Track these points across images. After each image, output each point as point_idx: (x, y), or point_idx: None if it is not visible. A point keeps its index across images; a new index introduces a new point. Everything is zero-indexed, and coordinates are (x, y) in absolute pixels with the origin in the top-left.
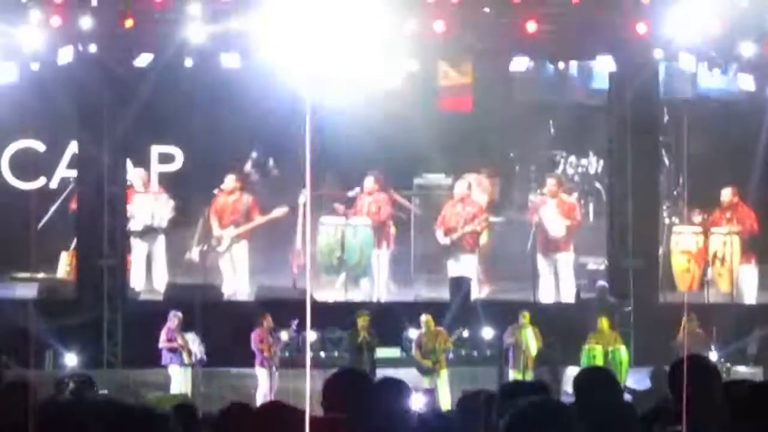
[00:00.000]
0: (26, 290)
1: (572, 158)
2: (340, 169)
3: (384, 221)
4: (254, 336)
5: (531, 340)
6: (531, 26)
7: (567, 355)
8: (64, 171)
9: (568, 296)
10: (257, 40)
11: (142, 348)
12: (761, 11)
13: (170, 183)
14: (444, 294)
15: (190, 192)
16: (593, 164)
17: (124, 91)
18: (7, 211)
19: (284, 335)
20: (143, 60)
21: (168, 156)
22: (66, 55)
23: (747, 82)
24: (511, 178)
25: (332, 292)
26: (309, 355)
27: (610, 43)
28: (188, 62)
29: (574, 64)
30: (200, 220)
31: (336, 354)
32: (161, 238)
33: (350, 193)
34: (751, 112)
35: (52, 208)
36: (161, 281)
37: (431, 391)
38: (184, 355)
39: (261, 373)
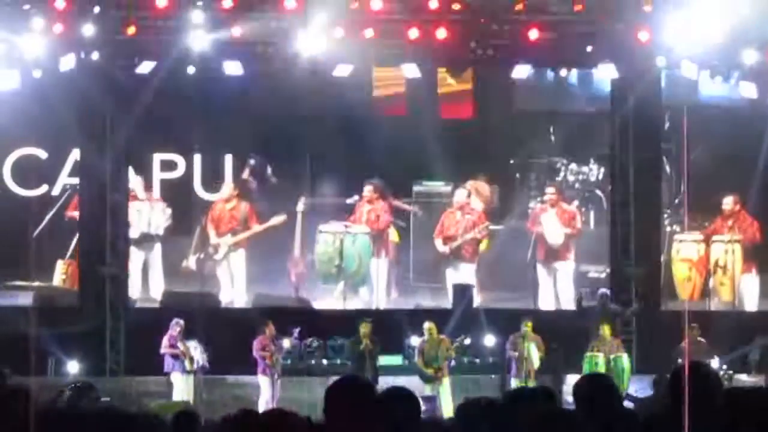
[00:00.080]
0: (23, 299)
1: (573, 165)
2: (339, 177)
3: (383, 230)
4: (256, 343)
5: (533, 351)
6: (533, 34)
7: (569, 363)
8: (66, 178)
9: (568, 305)
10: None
11: (144, 356)
12: (763, 19)
13: (171, 191)
14: (443, 302)
15: (191, 200)
16: (594, 171)
17: (126, 98)
18: (7, 219)
19: (286, 343)
20: (145, 67)
21: (170, 163)
22: (68, 63)
23: (749, 90)
24: (511, 186)
25: (331, 300)
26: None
27: (612, 50)
28: (190, 70)
29: (574, 72)
30: (197, 228)
31: (338, 362)
32: (158, 246)
33: (348, 201)
34: (754, 120)
35: (48, 216)
36: (158, 289)
37: (433, 399)
38: (186, 363)
39: (263, 380)
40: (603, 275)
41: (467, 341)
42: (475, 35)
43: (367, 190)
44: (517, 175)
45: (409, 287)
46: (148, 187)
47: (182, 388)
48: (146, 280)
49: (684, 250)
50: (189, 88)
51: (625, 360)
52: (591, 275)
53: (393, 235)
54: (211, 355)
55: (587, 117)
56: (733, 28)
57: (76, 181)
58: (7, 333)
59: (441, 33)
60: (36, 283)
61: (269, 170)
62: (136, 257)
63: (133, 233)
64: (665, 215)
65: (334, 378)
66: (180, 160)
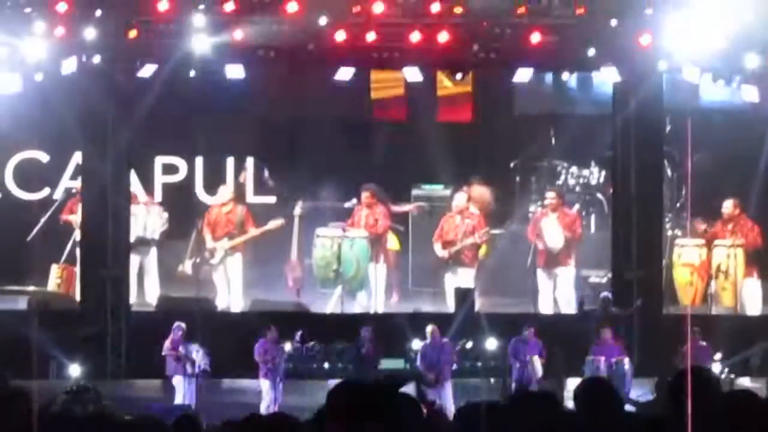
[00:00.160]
0: (21, 303)
1: (574, 169)
2: (338, 180)
3: (381, 234)
4: (258, 347)
5: (536, 361)
6: (535, 37)
7: (570, 366)
8: (68, 182)
9: (568, 310)
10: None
11: (146, 359)
12: (766, 23)
13: (173, 194)
14: (443, 307)
15: (191, 203)
16: (595, 175)
17: (128, 101)
18: (8, 222)
19: (288, 346)
20: (147, 71)
21: (172, 167)
22: (70, 66)
23: (751, 94)
24: (511, 190)
25: (329, 305)
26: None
27: (614, 54)
28: (192, 73)
29: (574, 75)
30: (193, 233)
31: (340, 365)
32: (153, 251)
33: (347, 205)
34: (755, 124)
35: (43, 220)
36: (153, 294)
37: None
38: (188, 366)
39: (265, 384)
40: (604, 280)
41: (469, 345)
42: (477, 39)
43: (365, 195)
44: (518, 178)
45: (408, 292)
46: (148, 190)
47: (184, 392)
48: (141, 285)
49: (685, 255)
50: (190, 91)
51: (626, 364)
52: (592, 280)
53: (393, 243)
54: (212, 358)
55: (588, 120)
56: (735, 32)
57: (77, 184)
58: (8, 336)
59: (443, 36)
60: (30, 288)
61: (266, 173)
62: (131, 261)
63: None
64: (666, 219)
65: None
66: (181, 164)
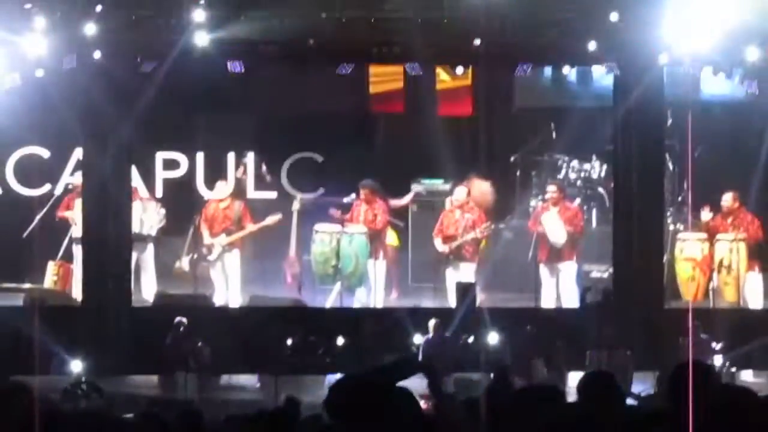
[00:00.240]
0: (14, 300)
1: (575, 163)
2: (337, 175)
3: (380, 230)
4: (259, 342)
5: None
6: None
7: (571, 361)
8: (69, 178)
9: (571, 305)
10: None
11: (148, 354)
12: (766, 16)
13: (174, 190)
14: (444, 303)
15: (192, 199)
16: (596, 169)
17: (129, 97)
18: (8, 219)
19: (289, 341)
20: (148, 67)
21: (173, 162)
22: (70, 62)
23: (752, 87)
24: (511, 184)
25: (328, 301)
26: None
27: (614, 47)
28: (193, 69)
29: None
30: (191, 228)
31: (342, 360)
32: (150, 247)
33: (345, 200)
34: (757, 117)
35: (38, 216)
36: (150, 291)
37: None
38: (191, 362)
39: (268, 379)
40: (605, 275)
41: (470, 340)
42: (478, 34)
43: (363, 192)
44: (518, 173)
45: (408, 288)
46: (149, 186)
47: (185, 388)
48: (138, 282)
49: (687, 249)
50: (191, 86)
51: (628, 357)
52: (593, 275)
53: (392, 239)
54: (213, 354)
55: (589, 113)
56: (736, 25)
57: (78, 180)
58: (8, 333)
59: (444, 31)
60: (27, 285)
61: (264, 168)
62: None
63: None
64: (668, 213)
65: (336, 377)
66: (183, 159)
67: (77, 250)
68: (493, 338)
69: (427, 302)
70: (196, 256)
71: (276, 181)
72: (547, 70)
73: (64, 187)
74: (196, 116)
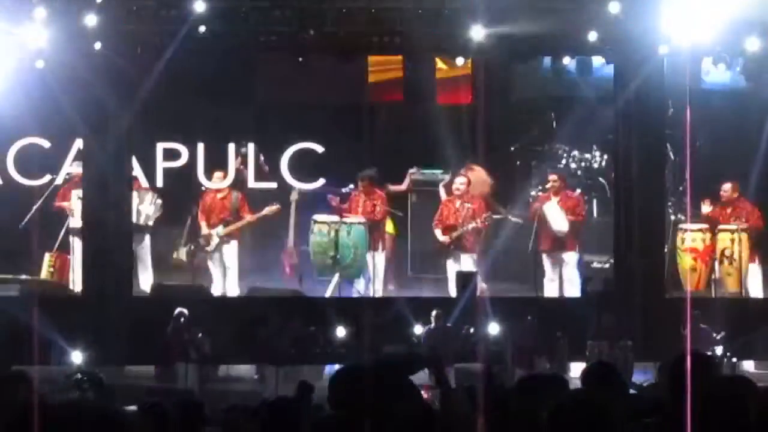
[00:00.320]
0: (10, 291)
1: (575, 152)
2: (336, 164)
3: (379, 220)
4: (260, 332)
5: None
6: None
7: (573, 351)
8: (69, 167)
9: (572, 295)
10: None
11: (148, 345)
12: (766, 6)
13: (174, 180)
14: (443, 293)
15: (191, 189)
16: (597, 159)
17: (129, 88)
18: (9, 209)
19: (289, 332)
20: (148, 57)
21: (173, 152)
22: (70, 53)
23: (751, 77)
24: (512, 174)
25: (327, 291)
26: None
27: (614, 37)
28: (193, 59)
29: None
30: (188, 219)
31: (342, 350)
32: (147, 238)
33: (344, 190)
34: (757, 107)
35: (35, 207)
36: (147, 281)
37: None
38: (191, 352)
39: (267, 369)
40: (606, 265)
41: (471, 330)
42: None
43: (362, 184)
44: (518, 162)
45: (408, 278)
46: (149, 176)
47: (186, 378)
48: (135, 272)
49: (689, 240)
50: (191, 76)
51: (628, 347)
52: (594, 265)
53: (389, 227)
54: (213, 344)
55: (589, 103)
56: (736, 15)
57: (72, 170)
58: (8, 323)
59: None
60: (23, 276)
61: (262, 158)
62: None
63: None
64: (669, 203)
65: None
66: (183, 149)
67: (75, 241)
68: (493, 328)
69: (428, 293)
70: (193, 247)
71: (275, 172)
72: (547, 61)
73: (64, 177)
74: (196, 106)
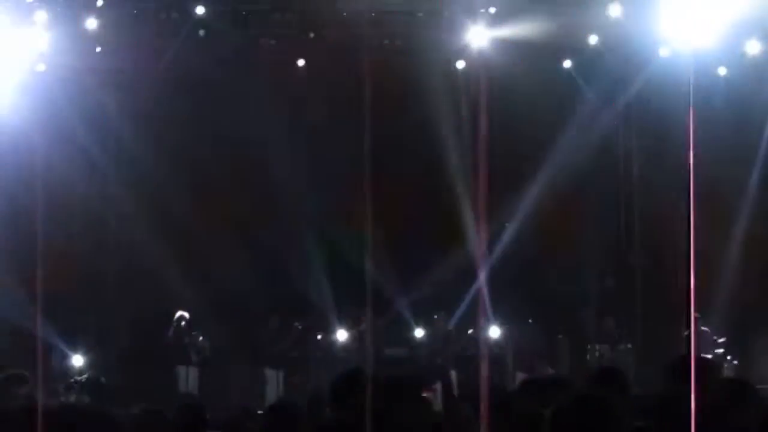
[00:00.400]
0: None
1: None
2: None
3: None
4: (261, 334)
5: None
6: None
7: (573, 353)
8: None
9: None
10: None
11: (149, 348)
12: (766, 9)
13: None
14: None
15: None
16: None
17: (129, 92)
18: None
19: (290, 334)
20: (148, 61)
21: None
22: (70, 57)
23: (751, 79)
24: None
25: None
26: None
27: (614, 38)
28: (194, 63)
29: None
30: None
31: (343, 353)
32: None
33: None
34: (756, 110)
35: None
36: None
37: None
38: (192, 354)
39: (269, 372)
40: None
41: (470, 332)
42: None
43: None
44: (518, 163)
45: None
46: None
47: (187, 381)
48: None
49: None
50: (193, 81)
51: (629, 349)
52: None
53: None
54: (215, 346)
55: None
56: (736, 18)
57: None
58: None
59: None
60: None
61: None
62: None
63: None
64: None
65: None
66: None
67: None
68: (495, 332)
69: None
70: None
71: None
72: (548, 63)
73: None
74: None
